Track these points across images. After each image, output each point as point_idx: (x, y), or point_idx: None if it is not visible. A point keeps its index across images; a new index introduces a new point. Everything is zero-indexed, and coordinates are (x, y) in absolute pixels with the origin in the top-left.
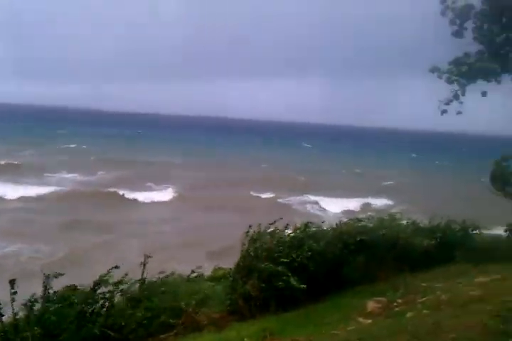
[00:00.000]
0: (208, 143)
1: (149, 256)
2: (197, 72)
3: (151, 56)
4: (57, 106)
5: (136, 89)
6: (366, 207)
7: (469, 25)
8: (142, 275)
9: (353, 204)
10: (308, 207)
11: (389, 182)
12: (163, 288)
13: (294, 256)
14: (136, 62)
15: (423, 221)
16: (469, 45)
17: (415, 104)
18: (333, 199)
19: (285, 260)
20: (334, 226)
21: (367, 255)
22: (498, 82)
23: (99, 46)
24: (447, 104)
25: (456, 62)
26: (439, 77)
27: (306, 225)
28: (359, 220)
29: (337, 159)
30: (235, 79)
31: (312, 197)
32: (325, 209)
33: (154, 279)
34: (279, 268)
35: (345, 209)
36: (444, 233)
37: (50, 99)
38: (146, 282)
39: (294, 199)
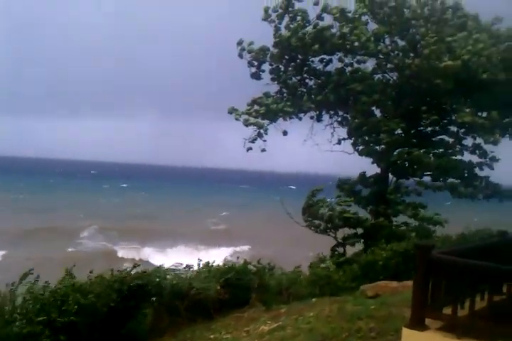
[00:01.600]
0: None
1: None
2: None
3: None
4: None
5: None
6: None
7: (267, 66)
8: None
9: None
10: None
11: (222, 227)
12: None
13: (53, 315)
14: None
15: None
16: (269, 85)
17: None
18: (171, 249)
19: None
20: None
21: (154, 306)
22: (300, 119)
23: None
24: (252, 142)
25: (255, 103)
26: (237, 119)
27: (70, 275)
28: (137, 265)
29: (170, 200)
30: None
31: (147, 248)
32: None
33: None
34: (37, 328)
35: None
36: (238, 274)
37: None
38: None
39: (125, 251)
